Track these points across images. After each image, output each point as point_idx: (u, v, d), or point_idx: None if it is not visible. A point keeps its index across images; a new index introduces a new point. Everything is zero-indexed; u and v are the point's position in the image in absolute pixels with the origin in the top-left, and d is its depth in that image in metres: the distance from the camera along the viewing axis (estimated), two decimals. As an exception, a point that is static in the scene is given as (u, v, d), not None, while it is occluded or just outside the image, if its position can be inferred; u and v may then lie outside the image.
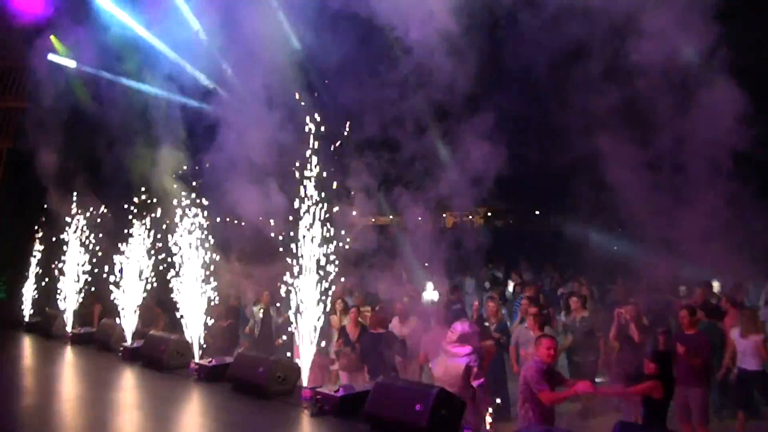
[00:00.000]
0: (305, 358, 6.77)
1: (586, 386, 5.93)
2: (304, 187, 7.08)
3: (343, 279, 11.60)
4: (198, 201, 8.65)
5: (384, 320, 8.72)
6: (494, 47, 9.40)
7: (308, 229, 6.98)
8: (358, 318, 9.15)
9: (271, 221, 8.09)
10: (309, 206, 7.05)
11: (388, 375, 8.05)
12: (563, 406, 7.16)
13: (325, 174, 7.09)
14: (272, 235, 8.07)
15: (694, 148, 8.17)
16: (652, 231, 8.83)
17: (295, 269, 7.06)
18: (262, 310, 11.02)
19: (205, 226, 8.64)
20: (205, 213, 8.72)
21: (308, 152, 7.12)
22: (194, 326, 8.42)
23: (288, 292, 7.11)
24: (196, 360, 8.14)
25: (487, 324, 8.98)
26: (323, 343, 8.44)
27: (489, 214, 36.48)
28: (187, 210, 8.59)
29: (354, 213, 10.14)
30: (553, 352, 6.20)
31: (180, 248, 8.59)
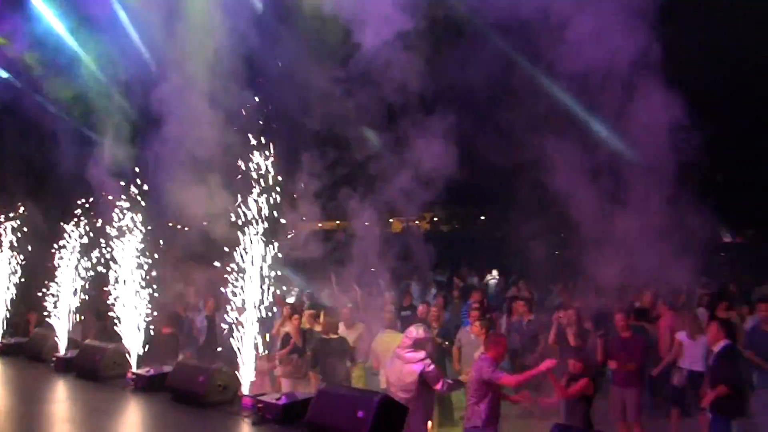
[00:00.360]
0: (247, 365, 6.63)
1: (551, 363, 6.09)
2: (248, 188, 6.94)
3: (285, 285, 11.52)
4: (138, 200, 8.36)
5: (336, 326, 8.70)
6: (442, 51, 9.48)
7: (252, 233, 6.83)
8: (300, 324, 9.08)
9: (214, 223, 7.91)
10: (252, 208, 6.91)
11: (341, 381, 8.01)
12: (507, 409, 7.21)
13: (269, 175, 6.96)
14: (215, 237, 7.89)
15: (635, 153, 8.41)
16: (595, 235, 9.04)
17: (238, 273, 6.91)
18: (206, 317, 10.79)
19: (144, 227, 8.36)
20: (145, 214, 8.45)
21: (253, 153, 6.99)
22: (132, 334, 8.14)
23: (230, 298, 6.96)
24: (134, 369, 7.86)
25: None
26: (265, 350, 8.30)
27: (435, 219, 36.86)
28: (125, 210, 8.29)
29: (299, 217, 10.06)
30: (505, 351, 6.41)
31: (118, 251, 8.28)
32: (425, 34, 8.78)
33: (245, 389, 6.52)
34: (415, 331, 6.98)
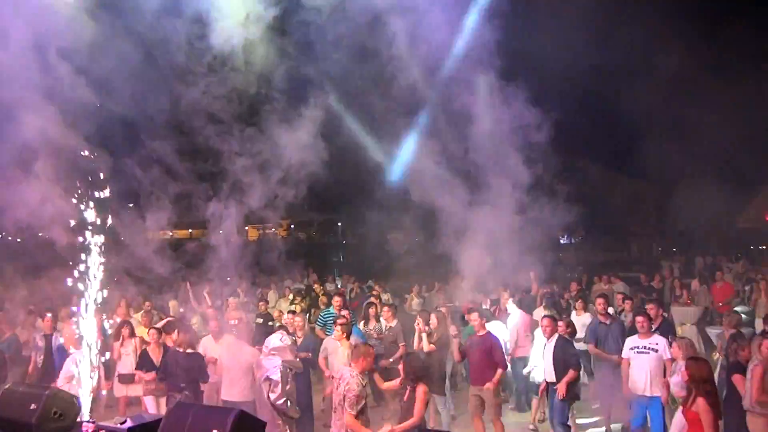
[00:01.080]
0: (86, 388, 6.05)
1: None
2: (86, 192, 6.37)
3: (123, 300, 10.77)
4: None
5: (193, 340, 8.20)
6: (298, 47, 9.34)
7: (88, 242, 6.25)
8: (160, 339, 8.54)
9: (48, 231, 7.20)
10: (89, 216, 6.33)
11: (193, 396, 7.57)
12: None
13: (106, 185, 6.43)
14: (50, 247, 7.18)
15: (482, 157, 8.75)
16: (449, 238, 9.30)
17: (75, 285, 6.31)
18: (44, 336, 9.77)
19: None
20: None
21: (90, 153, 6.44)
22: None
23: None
24: (-50, 401, 6.89)
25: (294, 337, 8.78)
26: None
27: (292, 226, 36.51)
28: None
29: (147, 224, 9.49)
30: (373, 362, 6.55)
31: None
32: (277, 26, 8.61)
33: (85, 415, 5.95)
34: (274, 339, 7.20)
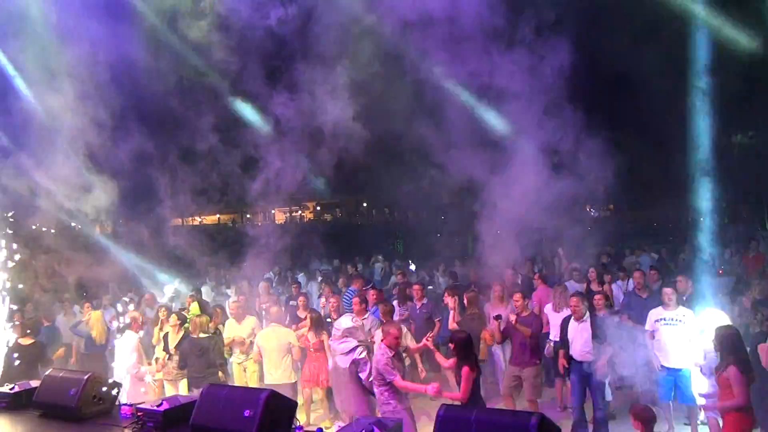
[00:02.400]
0: (123, 371, 6.24)
1: (435, 389, 6.30)
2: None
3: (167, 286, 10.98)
4: None
5: (203, 324, 8.32)
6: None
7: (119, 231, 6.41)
8: (178, 323, 8.72)
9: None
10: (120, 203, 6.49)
11: (207, 380, 7.71)
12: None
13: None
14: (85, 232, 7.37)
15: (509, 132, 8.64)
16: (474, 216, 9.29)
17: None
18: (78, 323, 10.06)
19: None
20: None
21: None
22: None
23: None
24: (-6, 388, 7.15)
25: (329, 320, 8.90)
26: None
27: (318, 208, 36.68)
28: None
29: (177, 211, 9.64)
30: (399, 341, 6.66)
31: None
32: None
33: (123, 398, 6.15)
34: (344, 322, 7.41)
